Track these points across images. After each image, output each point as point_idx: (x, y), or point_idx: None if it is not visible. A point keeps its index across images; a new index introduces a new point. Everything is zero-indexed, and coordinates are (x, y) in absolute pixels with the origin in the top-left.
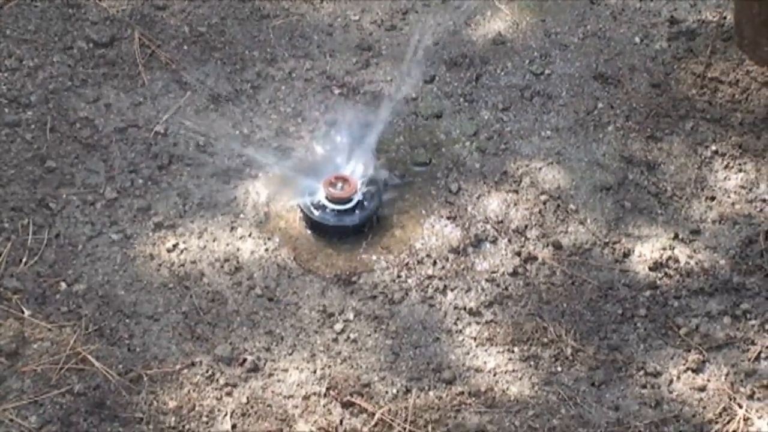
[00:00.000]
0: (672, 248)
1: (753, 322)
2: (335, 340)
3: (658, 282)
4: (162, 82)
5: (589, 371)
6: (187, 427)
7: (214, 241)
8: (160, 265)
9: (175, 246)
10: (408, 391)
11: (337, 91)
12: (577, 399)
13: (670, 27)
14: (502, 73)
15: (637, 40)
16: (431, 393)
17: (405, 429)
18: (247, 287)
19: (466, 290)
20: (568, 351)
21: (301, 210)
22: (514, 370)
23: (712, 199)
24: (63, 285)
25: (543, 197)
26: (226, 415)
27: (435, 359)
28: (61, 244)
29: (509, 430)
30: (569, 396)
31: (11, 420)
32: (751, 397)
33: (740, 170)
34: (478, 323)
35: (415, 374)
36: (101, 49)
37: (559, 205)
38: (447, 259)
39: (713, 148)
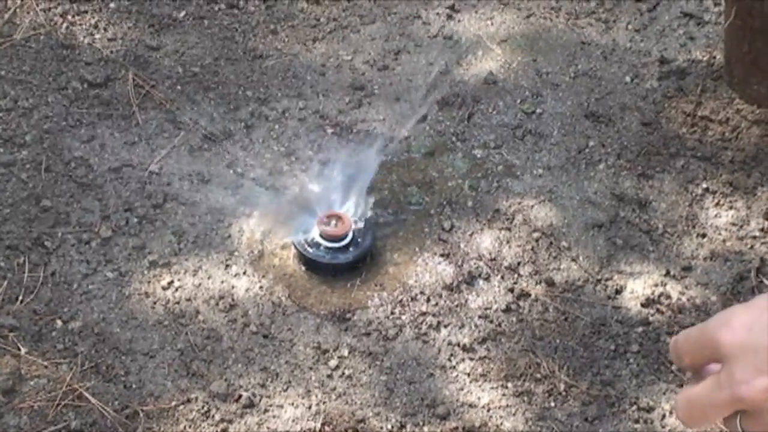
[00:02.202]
0: (664, 285)
1: None
2: (330, 377)
3: (651, 318)
4: (156, 122)
5: (582, 406)
6: None
7: (208, 278)
8: (155, 302)
9: (170, 284)
10: (403, 426)
11: (330, 131)
12: None
13: (660, 66)
14: (494, 112)
15: (628, 79)
16: (426, 428)
17: None
18: (242, 324)
19: (460, 327)
20: (561, 386)
21: (295, 247)
22: (507, 406)
23: (703, 236)
24: (59, 322)
25: (535, 234)
26: None
27: (429, 395)
28: (57, 282)
29: None
30: (563, 431)
31: None
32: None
33: (731, 208)
34: (471, 359)
35: (410, 410)
36: (95, 90)
37: (551, 243)
38: (440, 296)
39: (704, 185)
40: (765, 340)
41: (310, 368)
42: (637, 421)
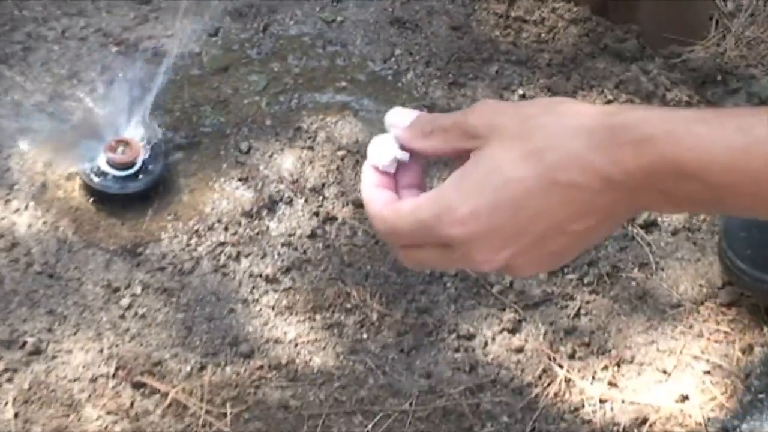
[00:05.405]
0: None
1: (571, 276)
2: (122, 317)
3: None
4: None
5: (398, 337)
6: None
7: None
8: None
9: None
10: (203, 367)
11: (114, 50)
12: (386, 367)
13: None
14: (292, 23)
15: None
16: (228, 368)
17: (201, 408)
18: (24, 264)
19: (262, 256)
20: (374, 316)
21: (81, 178)
22: (316, 340)
23: None
24: None
25: (340, 153)
26: (7, 403)
27: (231, 332)
28: None
29: (314, 403)
30: (377, 365)
31: None
32: (572, 356)
33: None
34: (275, 291)
35: (210, 349)
36: None
37: (357, 161)
38: (239, 224)
39: (520, 91)
40: (494, 223)
41: (101, 309)
42: (457, 350)
